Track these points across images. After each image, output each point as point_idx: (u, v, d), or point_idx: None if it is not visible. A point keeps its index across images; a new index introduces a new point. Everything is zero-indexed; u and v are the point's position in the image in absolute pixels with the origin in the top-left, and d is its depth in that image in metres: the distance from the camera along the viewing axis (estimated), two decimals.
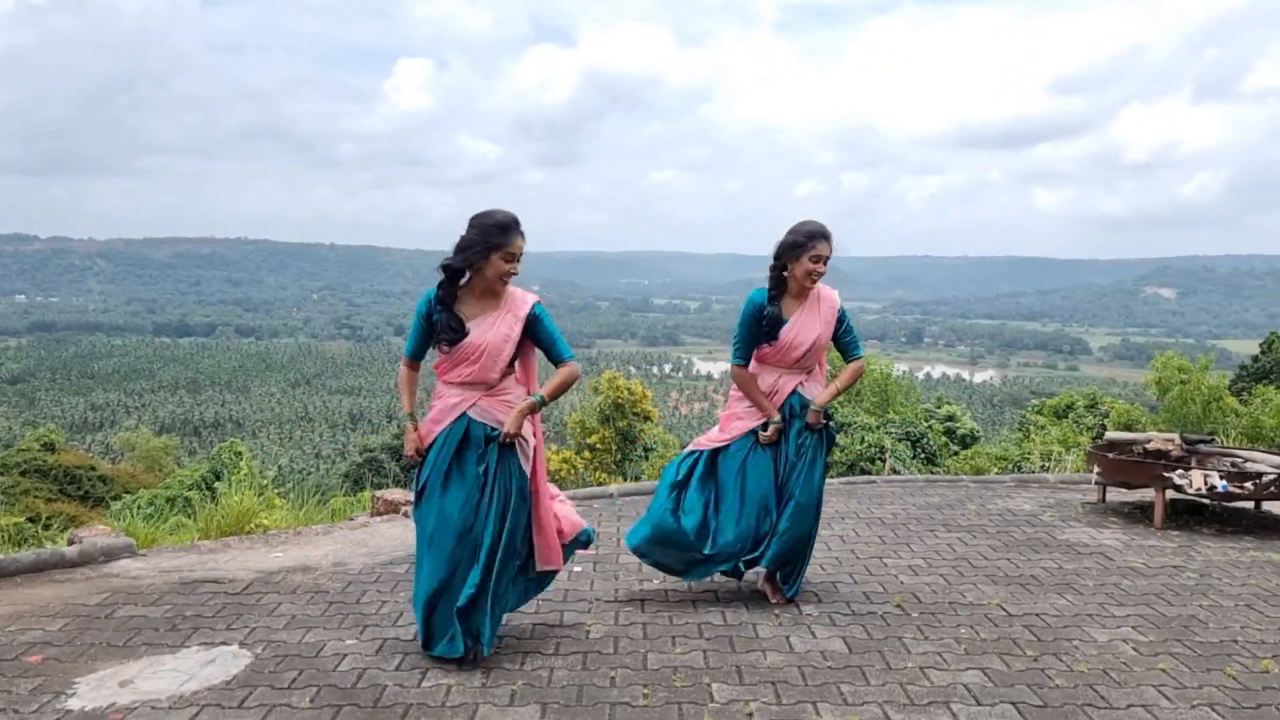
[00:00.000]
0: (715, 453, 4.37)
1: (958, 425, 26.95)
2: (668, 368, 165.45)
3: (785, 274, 4.23)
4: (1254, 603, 4.41)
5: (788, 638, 3.92)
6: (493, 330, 3.60)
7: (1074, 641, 3.91)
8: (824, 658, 3.71)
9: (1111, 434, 6.84)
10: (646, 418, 27.46)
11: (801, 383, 4.31)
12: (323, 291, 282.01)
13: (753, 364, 4.33)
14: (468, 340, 3.58)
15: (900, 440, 20.46)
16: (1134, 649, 3.82)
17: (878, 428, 20.59)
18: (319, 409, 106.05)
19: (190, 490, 22.89)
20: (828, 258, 4.20)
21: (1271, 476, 5.61)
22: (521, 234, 3.59)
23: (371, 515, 6.05)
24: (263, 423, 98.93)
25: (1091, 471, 6.53)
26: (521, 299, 3.68)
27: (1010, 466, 15.64)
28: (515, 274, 3.61)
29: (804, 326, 4.24)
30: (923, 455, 20.94)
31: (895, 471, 17.37)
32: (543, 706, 3.24)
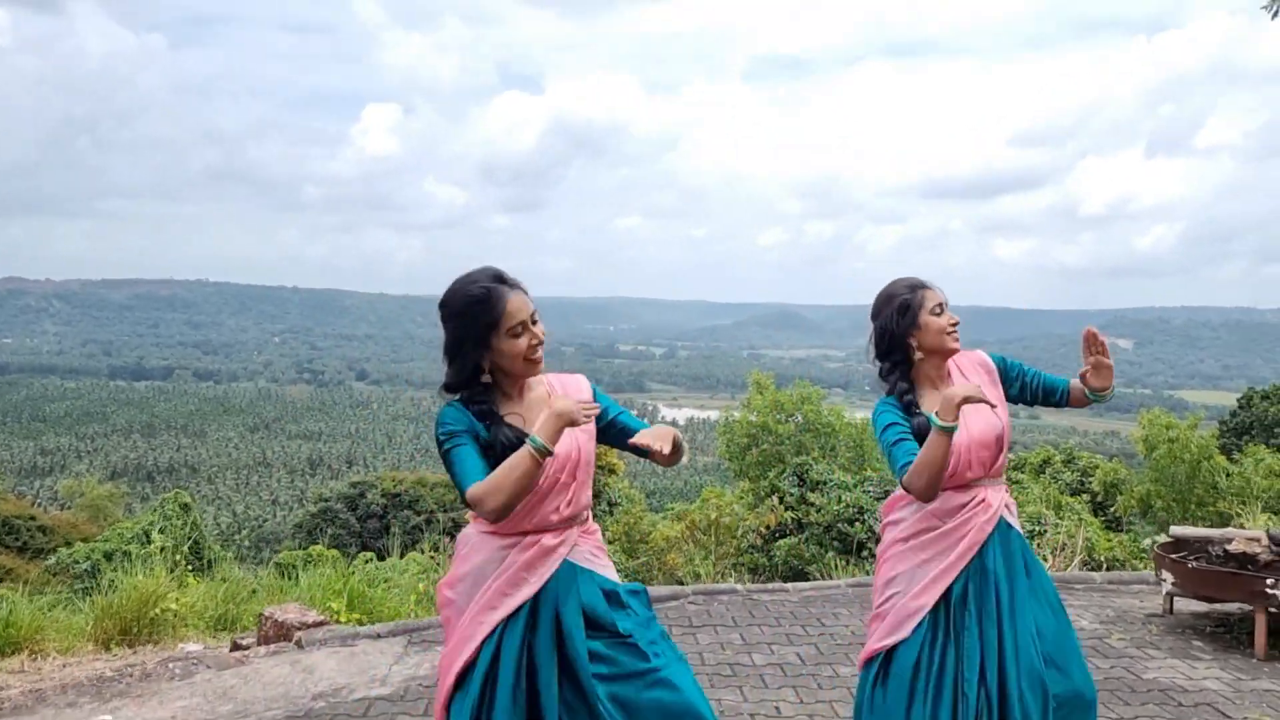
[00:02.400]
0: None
1: None
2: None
3: (913, 355, 2.80)
4: None
5: None
6: (572, 433, 2.35)
7: None
8: None
9: (1177, 529, 5.66)
10: (611, 470, 26.16)
11: (1007, 503, 2.81)
12: (284, 334, 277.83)
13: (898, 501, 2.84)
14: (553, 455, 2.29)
15: (879, 500, 19.34)
16: None
17: (855, 486, 19.48)
18: (277, 454, 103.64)
19: (130, 544, 21.26)
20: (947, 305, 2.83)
21: None
22: (513, 285, 2.39)
23: (258, 641, 4.71)
24: (219, 468, 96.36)
25: (1160, 579, 5.32)
26: (573, 383, 2.54)
27: None
28: (540, 340, 2.38)
29: (973, 415, 2.74)
30: None
31: (878, 538, 16.17)
32: None
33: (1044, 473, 25.73)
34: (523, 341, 2.33)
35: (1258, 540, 5.21)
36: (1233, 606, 5.36)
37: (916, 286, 2.82)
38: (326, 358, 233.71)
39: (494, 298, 2.32)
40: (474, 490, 2.21)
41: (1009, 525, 2.77)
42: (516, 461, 2.20)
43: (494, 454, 2.29)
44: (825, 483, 19.80)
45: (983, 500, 2.71)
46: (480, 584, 2.32)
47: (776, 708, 3.88)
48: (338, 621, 6.05)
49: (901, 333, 2.80)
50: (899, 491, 2.81)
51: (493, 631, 2.27)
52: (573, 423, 2.22)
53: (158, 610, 6.03)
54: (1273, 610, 4.70)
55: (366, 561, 12.17)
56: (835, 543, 17.74)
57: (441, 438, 2.31)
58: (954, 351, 2.82)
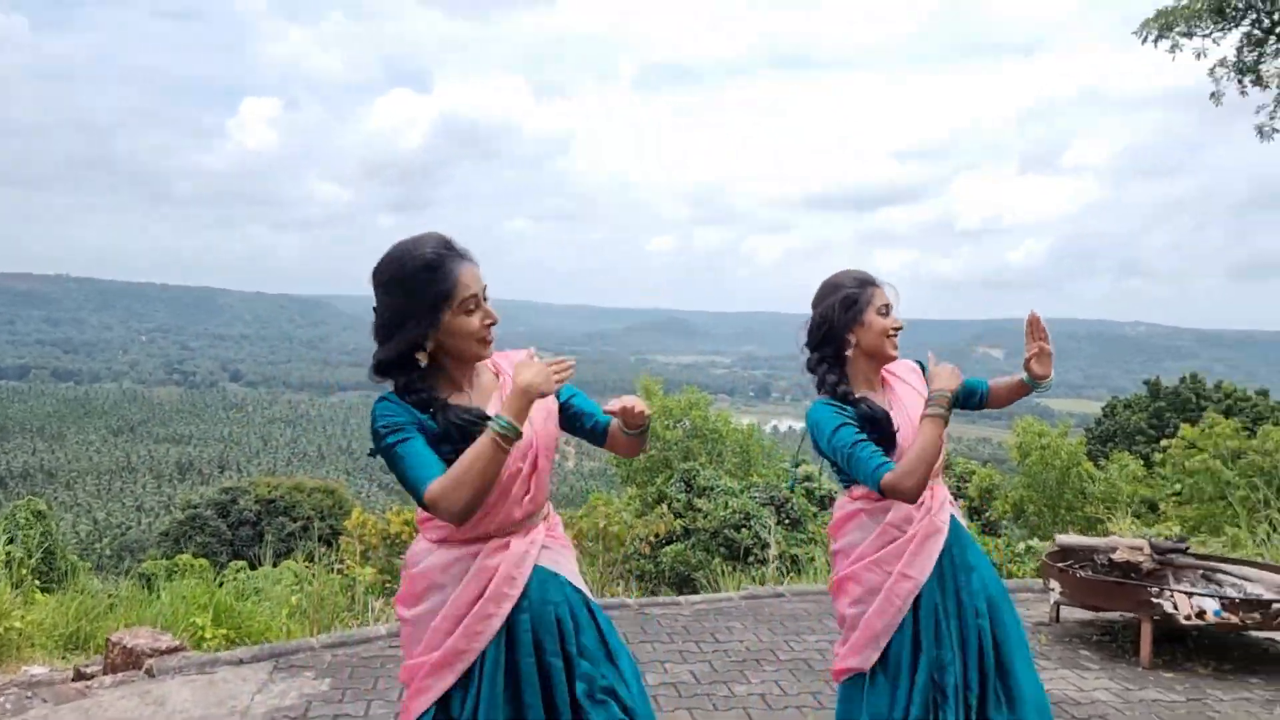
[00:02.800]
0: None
1: (815, 486, 26.36)
2: None
3: (848, 353, 2.64)
4: None
5: None
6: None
7: None
8: None
9: (1063, 538, 5.72)
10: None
11: (949, 498, 2.69)
12: (153, 333, 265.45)
13: (859, 503, 2.66)
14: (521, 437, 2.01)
15: (765, 505, 19.52)
16: None
17: (741, 491, 19.60)
18: (143, 458, 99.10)
19: None
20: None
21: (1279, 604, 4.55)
22: (464, 255, 2.08)
23: (104, 669, 4.28)
24: (79, 473, 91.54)
25: (1048, 588, 5.35)
26: (520, 360, 2.14)
27: None
28: (495, 321, 2.09)
29: (911, 406, 2.62)
30: (787, 521, 20.04)
31: (764, 544, 16.26)
32: None
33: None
34: (475, 320, 2.04)
35: (1140, 549, 5.29)
36: (1116, 614, 5.43)
37: (866, 282, 2.66)
38: (198, 358, 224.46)
39: (447, 266, 2.02)
40: (431, 489, 1.93)
41: (956, 520, 2.67)
42: (479, 450, 1.93)
43: (450, 445, 2.00)
44: (712, 488, 19.86)
45: (934, 496, 2.60)
46: (445, 601, 2.04)
47: None
48: (202, 638, 5.62)
49: (841, 326, 2.63)
50: (848, 508, 2.67)
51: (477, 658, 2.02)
52: (542, 393, 1.98)
53: (2, 628, 5.53)
54: (1157, 619, 4.76)
55: (238, 571, 11.59)
56: (722, 549, 17.75)
57: (381, 431, 2.01)
58: (890, 358, 2.66)
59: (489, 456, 1.91)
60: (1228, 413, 27.27)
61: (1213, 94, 12.72)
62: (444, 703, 2.03)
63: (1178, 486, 20.55)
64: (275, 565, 11.56)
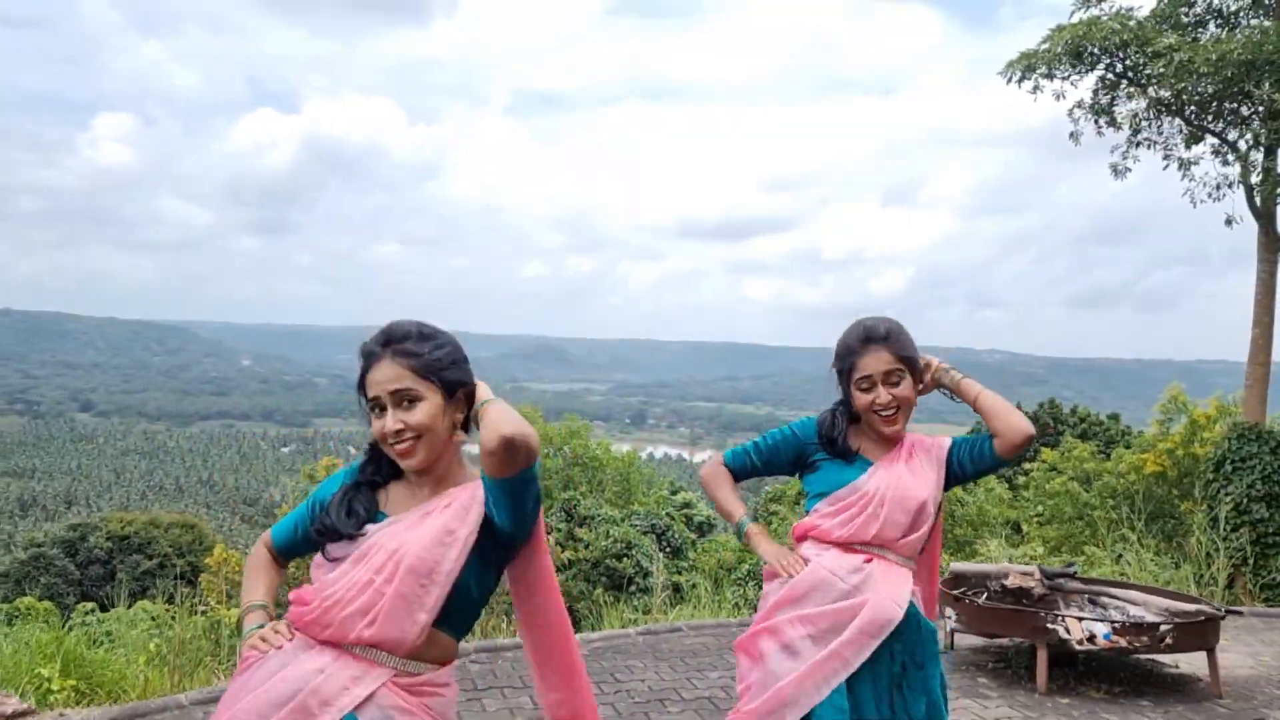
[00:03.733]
0: None
1: (695, 513, 26.44)
2: None
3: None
4: None
5: None
6: (412, 532, 1.78)
7: None
8: None
9: (956, 565, 5.78)
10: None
11: (914, 588, 2.40)
12: None
13: (800, 535, 2.48)
14: (365, 541, 1.80)
15: (646, 533, 19.44)
16: None
17: (622, 520, 19.49)
18: None
19: None
20: (894, 375, 2.38)
21: (1166, 628, 4.67)
22: (389, 350, 1.82)
23: None
24: None
25: (944, 616, 5.39)
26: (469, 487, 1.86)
27: (760, 563, 14.89)
28: (398, 430, 1.79)
29: (904, 476, 2.40)
30: (669, 549, 20.01)
31: (646, 572, 16.15)
32: None
33: (799, 504, 26.90)
34: (378, 424, 1.81)
35: (1031, 575, 5.38)
36: (1007, 640, 5.50)
37: (855, 350, 2.42)
38: (44, 386, 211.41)
39: (365, 364, 1.84)
40: (264, 535, 2.03)
41: (920, 619, 2.38)
42: (246, 596, 1.94)
43: (321, 516, 1.86)
44: (593, 517, 19.67)
45: (872, 572, 2.33)
46: (257, 681, 1.75)
47: None
48: (49, 690, 5.11)
49: (843, 389, 2.49)
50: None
51: None
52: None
53: None
54: (1051, 645, 4.83)
55: (87, 614, 10.77)
56: (604, 578, 17.54)
57: None
58: (891, 435, 2.44)
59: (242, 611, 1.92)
60: (1083, 436, 28.73)
61: (1072, 134, 13.36)
62: None
63: (1040, 508, 21.46)
64: (129, 607, 10.82)
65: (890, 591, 2.31)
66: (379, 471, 1.89)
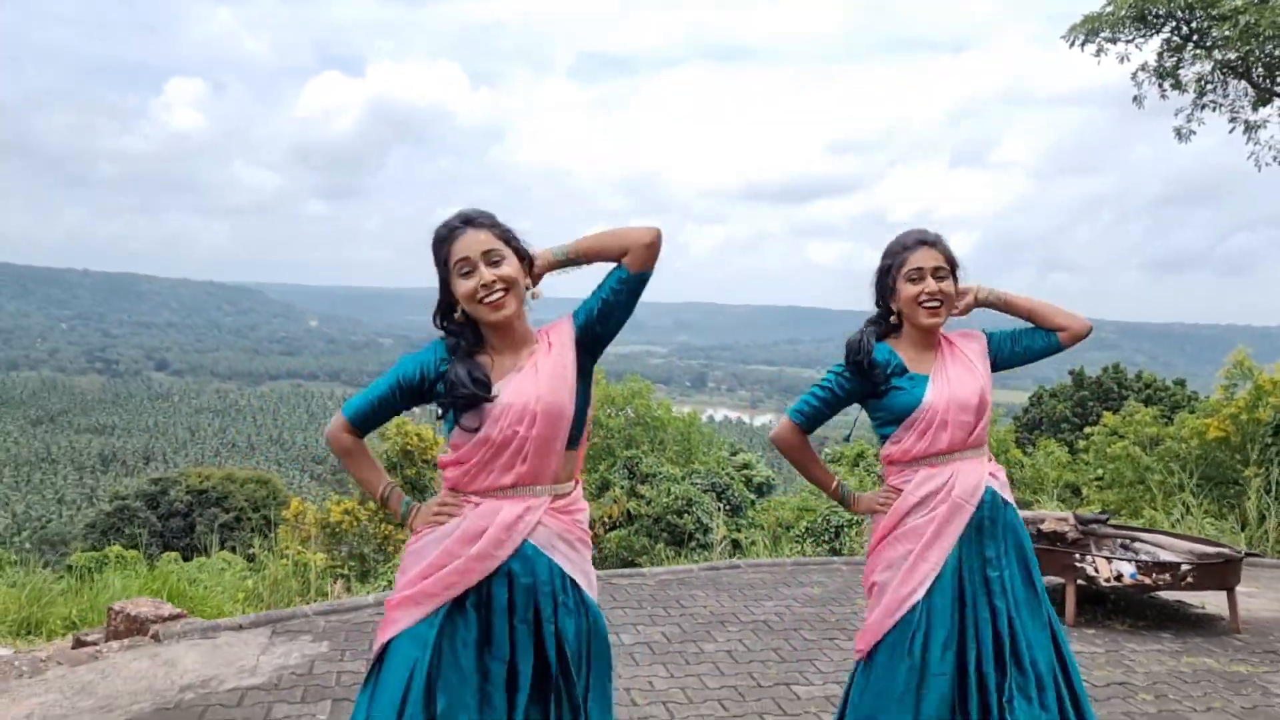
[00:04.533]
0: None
1: (754, 473, 26.87)
2: None
3: (893, 319, 2.70)
4: None
5: None
6: (532, 381, 2.19)
7: None
8: None
9: None
10: (436, 465, 25.79)
11: (992, 472, 2.65)
12: (73, 320, 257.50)
13: (888, 467, 2.72)
14: (498, 403, 2.17)
15: (706, 492, 19.94)
16: None
17: (683, 479, 19.98)
18: (64, 449, 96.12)
19: None
20: (941, 270, 2.61)
21: (1187, 568, 5.06)
22: (478, 221, 2.22)
23: (106, 637, 4.48)
24: None
25: None
26: (558, 329, 2.29)
27: (819, 520, 15.28)
28: (491, 282, 2.17)
29: (956, 379, 2.64)
30: (728, 507, 20.49)
31: (706, 529, 16.67)
32: None
33: (859, 465, 27.16)
34: (470, 283, 2.16)
35: (1066, 520, 5.79)
36: (1046, 580, 5.91)
37: (909, 246, 2.64)
38: (121, 346, 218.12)
39: (448, 237, 2.22)
40: (339, 418, 2.27)
41: (1002, 500, 2.63)
42: (374, 482, 2.28)
43: (450, 391, 2.17)
44: (655, 475, 20.23)
45: (957, 474, 2.59)
46: (438, 544, 2.18)
47: (649, 682, 4.04)
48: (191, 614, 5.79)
49: (881, 294, 2.71)
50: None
51: (435, 610, 2.14)
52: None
53: None
54: (1081, 583, 5.25)
55: (170, 563, 11.53)
56: (665, 534, 18.12)
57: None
58: (925, 327, 2.64)
59: (368, 486, 2.27)
60: (1147, 401, 28.48)
61: (1135, 97, 13.40)
62: (424, 642, 2.12)
63: (1099, 472, 21.50)
64: (209, 557, 11.51)
65: (971, 472, 2.60)
66: (468, 341, 2.23)
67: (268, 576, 8.24)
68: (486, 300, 2.17)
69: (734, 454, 27.58)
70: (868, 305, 2.76)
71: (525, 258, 2.26)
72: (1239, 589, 5.84)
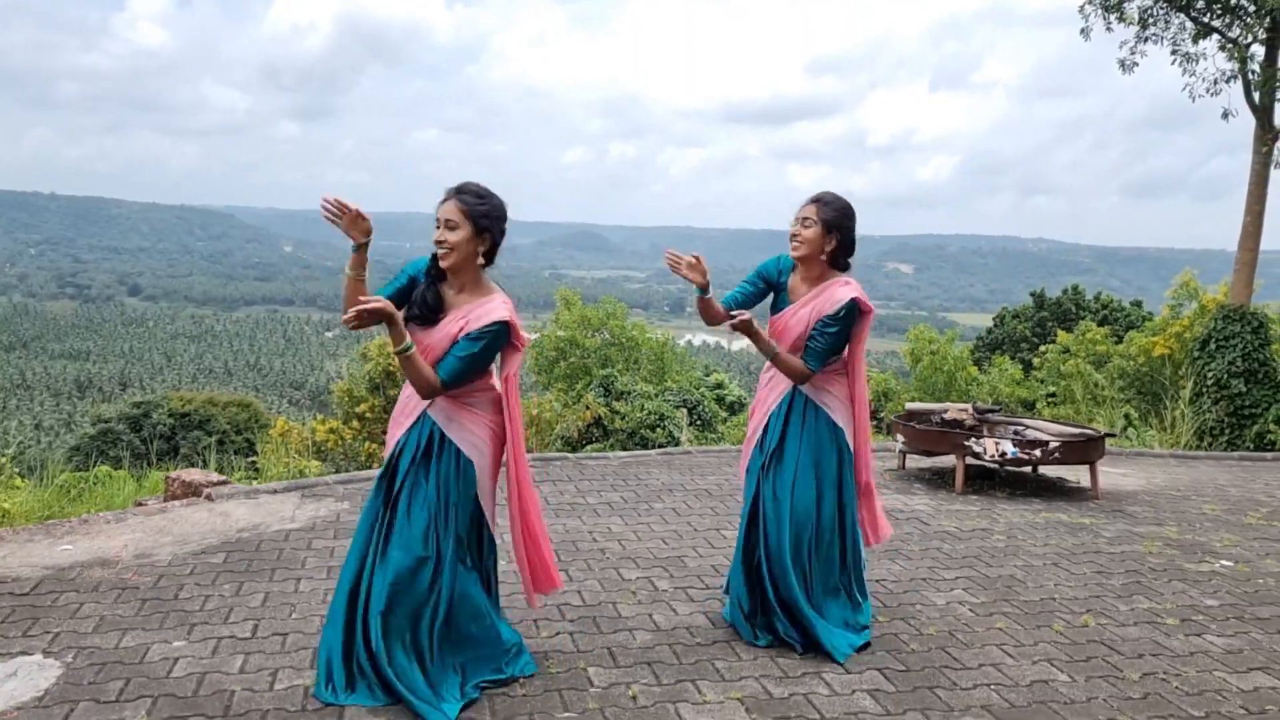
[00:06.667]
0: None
1: (726, 393, 28.04)
2: None
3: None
4: (1059, 561, 4.79)
5: (650, 615, 3.87)
6: (440, 332, 3.06)
7: (916, 606, 4.09)
8: (691, 634, 3.68)
9: (911, 405, 7.25)
10: None
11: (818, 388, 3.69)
12: (41, 246, 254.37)
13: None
14: (424, 334, 3.05)
15: (678, 408, 21.03)
16: (970, 610, 4.05)
17: (656, 395, 21.05)
18: (39, 376, 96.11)
19: None
20: (810, 220, 3.55)
21: (1054, 445, 6.12)
22: (457, 195, 3.04)
23: (166, 499, 5.46)
24: None
25: (895, 440, 6.90)
26: (480, 309, 3.05)
27: None
28: (439, 243, 3.01)
29: (797, 314, 3.63)
30: (699, 422, 21.60)
31: (673, 439, 17.78)
32: None
33: None
34: (435, 235, 3.03)
35: (966, 410, 6.84)
36: (947, 461, 6.99)
37: (805, 201, 3.67)
38: (93, 271, 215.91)
39: (443, 198, 3.06)
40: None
41: (808, 400, 3.68)
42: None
43: (411, 303, 3.07)
44: (629, 393, 21.30)
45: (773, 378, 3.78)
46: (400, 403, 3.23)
47: (608, 528, 5.08)
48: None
49: None
50: None
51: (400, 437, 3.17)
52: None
53: None
54: (969, 460, 6.31)
55: (159, 483, 12.25)
56: (638, 447, 19.25)
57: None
58: (795, 260, 3.64)
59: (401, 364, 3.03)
60: (1103, 322, 29.69)
61: (1082, 30, 14.19)
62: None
63: (1052, 388, 22.74)
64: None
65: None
66: (435, 271, 3.09)
67: (271, 476, 9.20)
68: (438, 252, 3.05)
69: (708, 374, 28.71)
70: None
71: (485, 231, 3.03)
72: (1116, 470, 6.98)
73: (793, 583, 3.55)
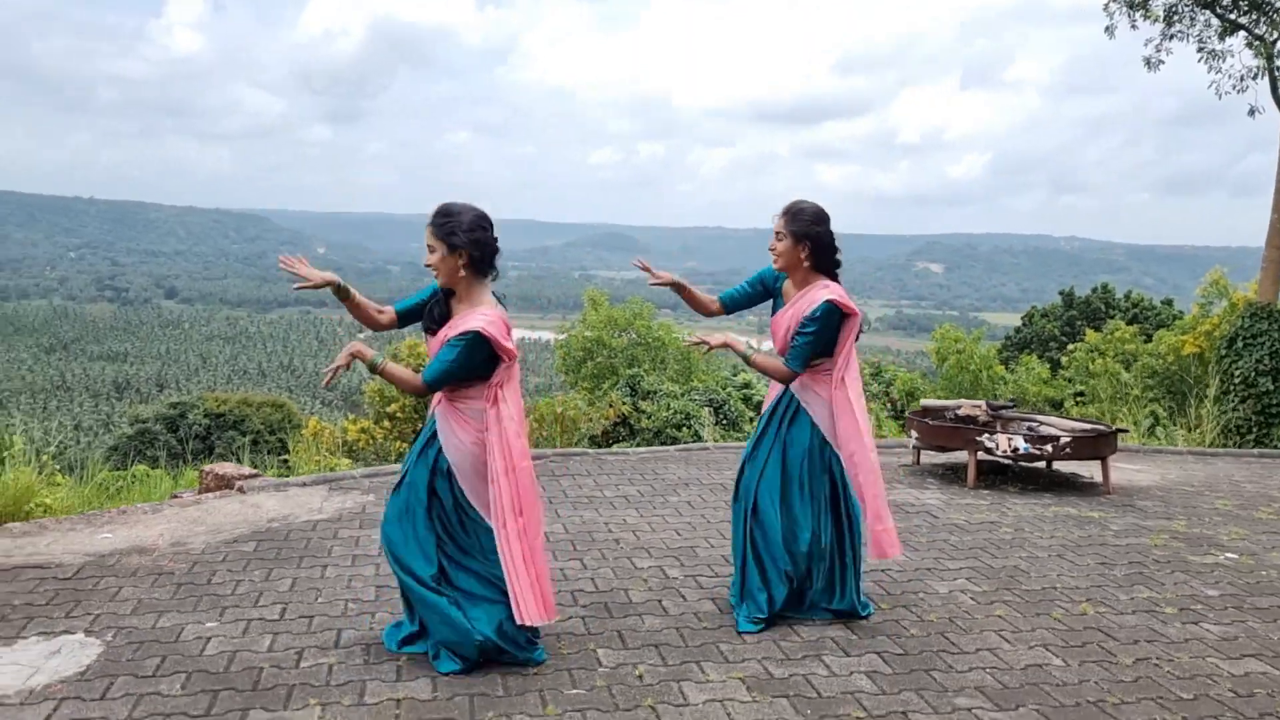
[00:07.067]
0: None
1: (754, 393, 28.12)
2: None
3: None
4: (1063, 553, 4.89)
5: (660, 601, 4.02)
6: (436, 341, 3.33)
7: (919, 594, 4.21)
8: (698, 619, 3.83)
9: (926, 401, 7.36)
10: None
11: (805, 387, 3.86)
12: (81, 249, 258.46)
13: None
14: (432, 341, 3.33)
15: (704, 407, 21.15)
16: (971, 599, 4.17)
17: (682, 395, 21.17)
18: (78, 377, 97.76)
19: None
20: (781, 234, 3.76)
21: (1066, 440, 6.20)
22: (431, 222, 3.26)
23: (200, 492, 5.68)
24: (10, 392, 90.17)
25: (909, 436, 7.00)
26: (467, 319, 3.24)
27: None
28: (428, 264, 3.27)
29: (785, 316, 3.86)
30: (725, 422, 21.70)
31: (698, 437, 17.92)
32: (433, 680, 3.19)
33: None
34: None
35: (979, 407, 6.93)
36: (961, 457, 7.09)
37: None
38: (130, 274, 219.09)
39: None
40: (389, 308, 3.52)
41: (789, 396, 3.90)
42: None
43: (426, 315, 3.37)
44: (655, 392, 21.45)
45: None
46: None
47: (624, 519, 5.24)
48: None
49: None
50: None
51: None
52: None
53: (31, 505, 6.49)
54: (981, 455, 6.40)
55: (194, 481, 12.51)
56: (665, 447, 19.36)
57: None
58: (783, 269, 3.85)
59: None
60: (1133, 320, 29.47)
61: (1107, 27, 14.17)
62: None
63: (1080, 387, 22.62)
64: None
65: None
66: (443, 288, 3.35)
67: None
68: (434, 271, 3.30)
69: (735, 374, 28.78)
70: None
71: (458, 248, 3.21)
72: (1132, 466, 7.04)
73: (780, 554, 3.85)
